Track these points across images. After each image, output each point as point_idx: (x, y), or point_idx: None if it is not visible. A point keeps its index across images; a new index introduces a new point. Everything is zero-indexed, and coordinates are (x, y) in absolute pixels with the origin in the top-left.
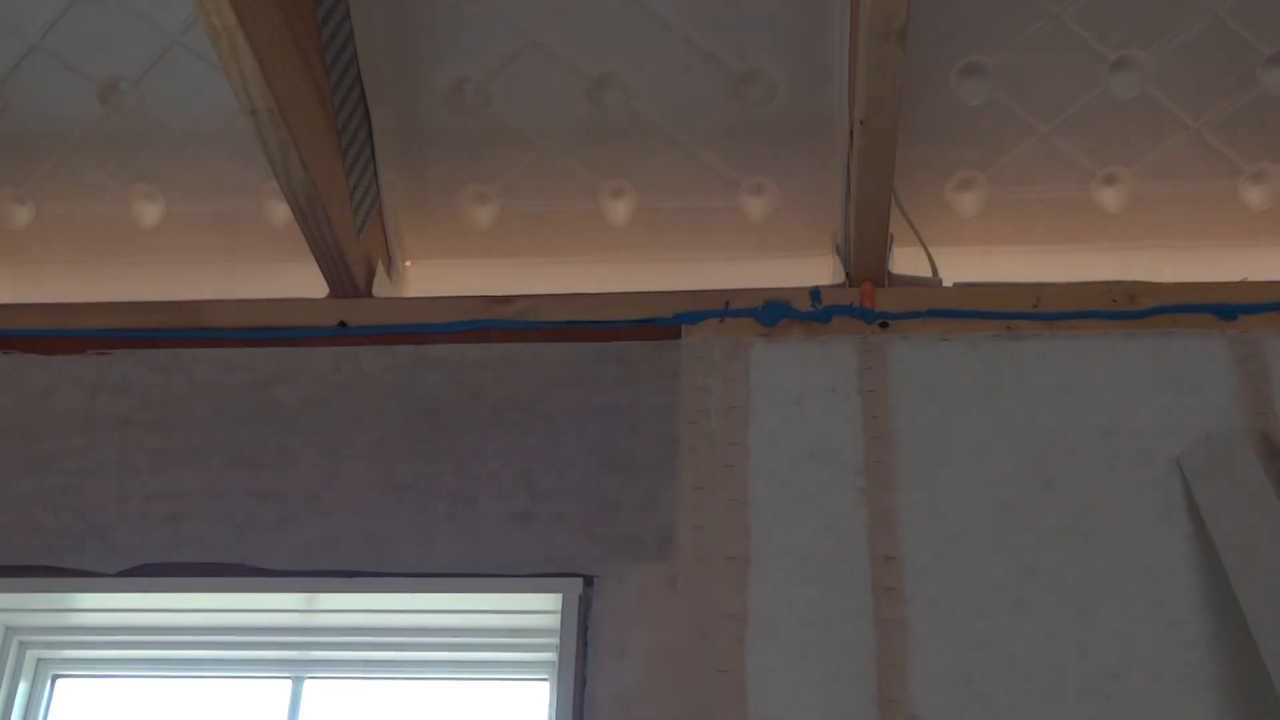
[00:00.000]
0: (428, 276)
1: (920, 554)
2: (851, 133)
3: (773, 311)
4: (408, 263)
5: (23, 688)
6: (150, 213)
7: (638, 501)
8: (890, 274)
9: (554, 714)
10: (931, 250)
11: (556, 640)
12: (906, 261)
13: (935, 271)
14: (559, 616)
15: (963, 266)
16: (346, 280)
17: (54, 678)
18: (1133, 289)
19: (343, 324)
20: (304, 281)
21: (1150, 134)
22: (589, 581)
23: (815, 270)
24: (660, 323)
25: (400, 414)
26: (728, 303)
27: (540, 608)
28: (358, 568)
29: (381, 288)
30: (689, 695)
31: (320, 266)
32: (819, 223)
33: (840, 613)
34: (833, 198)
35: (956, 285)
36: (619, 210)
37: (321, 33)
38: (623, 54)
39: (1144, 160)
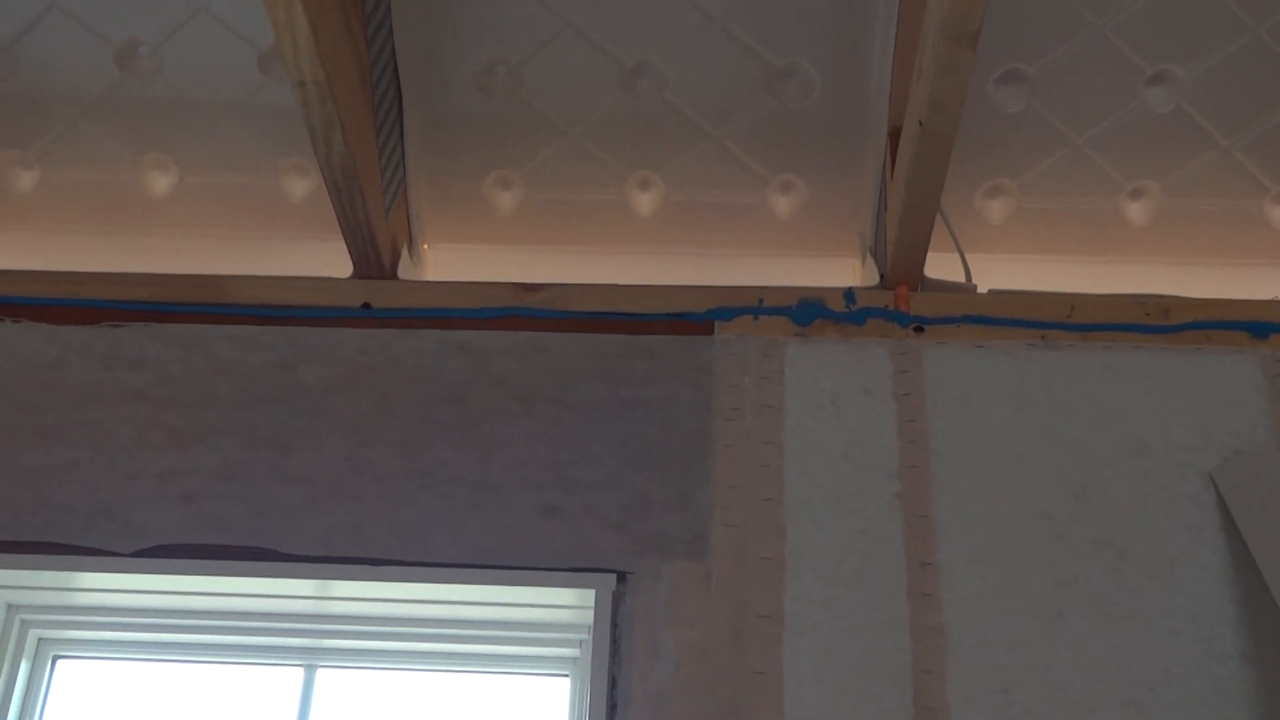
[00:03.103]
0: (445, 260)
1: (956, 560)
2: (890, 135)
3: (807, 311)
4: (426, 246)
5: (24, 668)
6: (161, 183)
7: (670, 497)
8: (924, 278)
9: (581, 711)
10: (950, 256)
11: (579, 636)
12: (935, 266)
13: (969, 277)
14: (583, 612)
15: (987, 274)
16: (373, 261)
17: (55, 658)
18: (1166, 303)
19: (367, 305)
20: (318, 260)
21: (1181, 150)
22: (622, 577)
23: (839, 271)
24: (693, 318)
25: (426, 399)
26: (761, 300)
27: (568, 602)
28: (383, 555)
29: (405, 270)
30: (725, 696)
31: (348, 246)
32: (845, 223)
33: (876, 617)
34: (861, 199)
35: (991, 292)
36: (644, 202)
37: (364, 7)
38: (660, 43)
39: (1173, 176)
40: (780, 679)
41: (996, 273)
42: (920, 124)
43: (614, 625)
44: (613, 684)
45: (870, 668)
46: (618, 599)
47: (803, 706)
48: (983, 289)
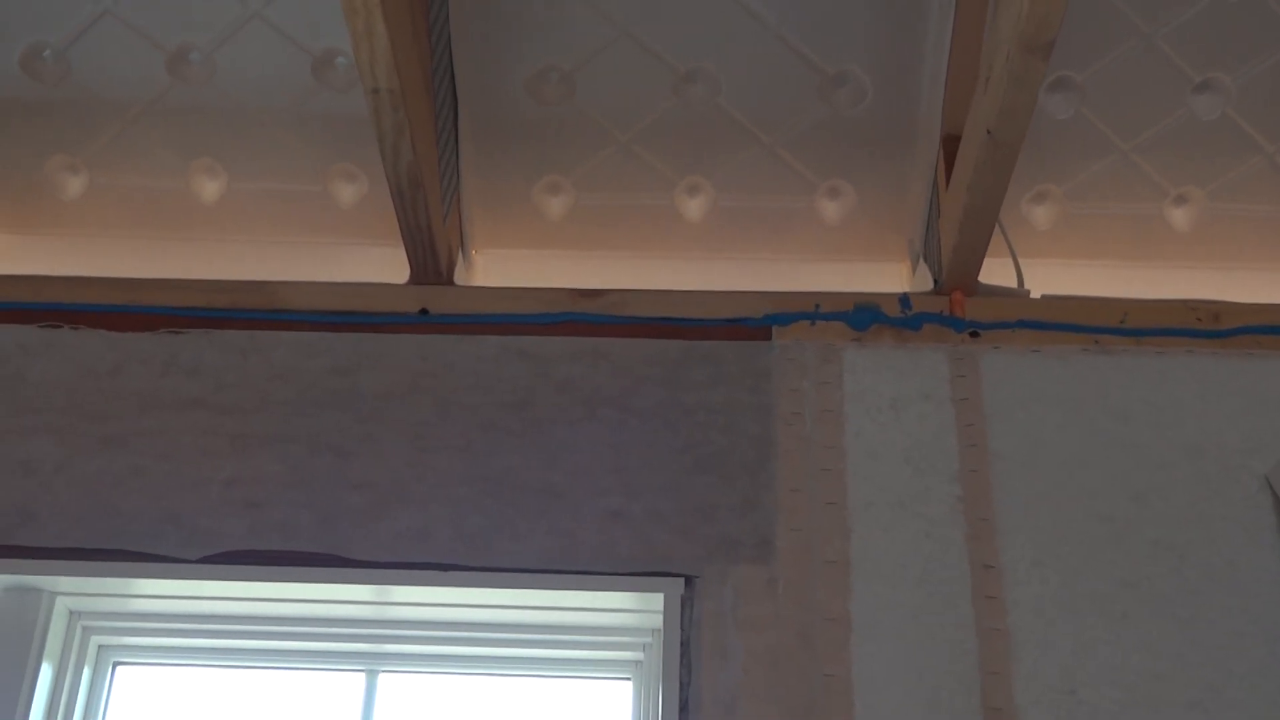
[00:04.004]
0: (493, 265)
1: (1019, 563)
2: (944, 142)
3: (863, 316)
4: (475, 251)
5: (86, 674)
6: (210, 189)
7: (734, 502)
8: (978, 283)
9: (647, 713)
10: (1000, 262)
11: (641, 640)
12: (984, 271)
13: (1021, 282)
14: (646, 616)
15: (1032, 279)
16: (431, 267)
17: (115, 664)
18: (1216, 309)
19: (424, 311)
20: (366, 266)
21: (1227, 156)
22: (689, 581)
23: (887, 277)
24: (750, 323)
25: (487, 405)
26: (818, 306)
27: (631, 606)
28: (451, 561)
29: (459, 276)
30: (794, 699)
31: (408, 251)
32: (894, 230)
33: (942, 620)
34: (910, 206)
35: (1045, 297)
36: (693, 207)
37: (428, 14)
38: (714, 49)
39: (1219, 181)
40: (849, 682)
41: (1041, 278)
42: (988, 132)
43: (683, 629)
44: (683, 686)
45: (938, 670)
46: (685, 603)
47: (873, 709)
48: (1046, 294)
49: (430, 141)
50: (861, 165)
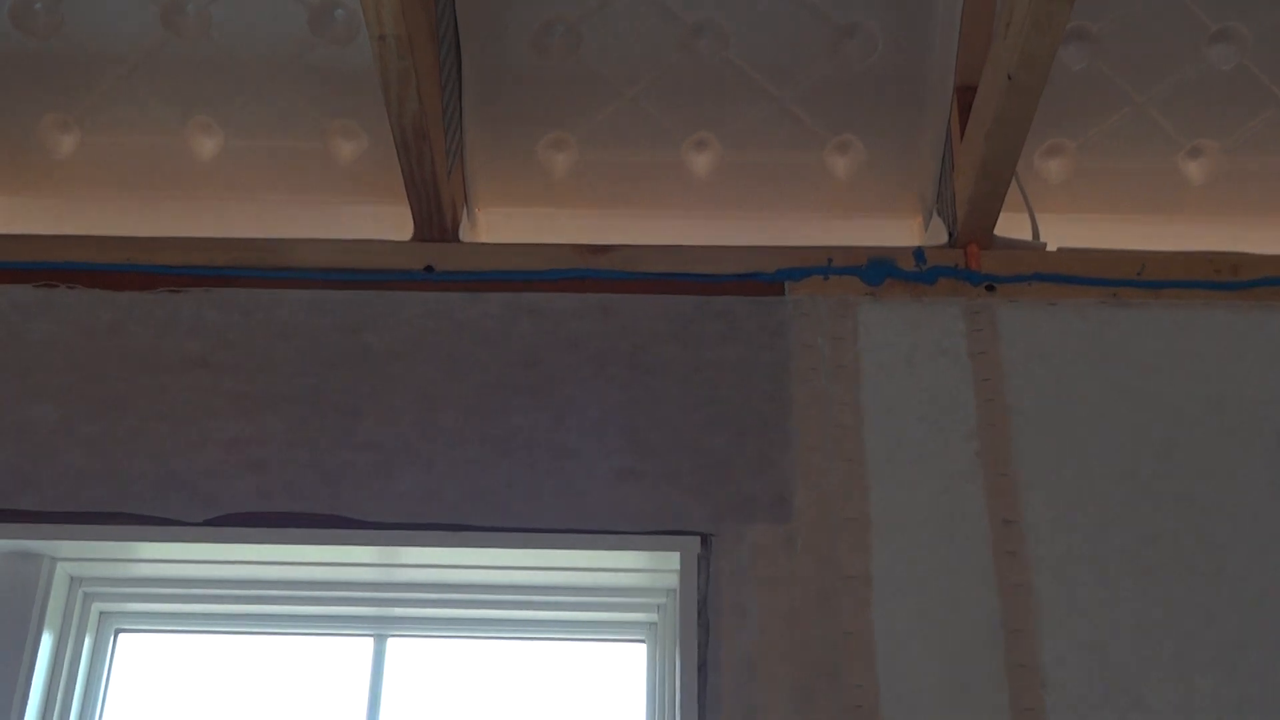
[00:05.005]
0: (496, 223)
1: (1040, 519)
2: (958, 92)
3: (877, 270)
4: (478, 210)
5: (87, 642)
6: (207, 146)
7: (750, 459)
8: (993, 237)
9: (662, 675)
10: (1013, 216)
11: (655, 601)
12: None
13: (1037, 235)
14: (659, 576)
15: (1045, 233)
16: (436, 222)
17: (117, 632)
18: (1235, 260)
19: (429, 268)
20: (366, 224)
21: (1243, 108)
22: (705, 540)
23: (898, 232)
24: (763, 278)
25: (496, 363)
26: (830, 260)
27: (645, 566)
28: (461, 521)
29: (464, 233)
30: (816, 657)
31: (412, 207)
32: (905, 184)
33: (964, 577)
34: (921, 159)
35: (1061, 250)
36: (701, 163)
37: None
38: (722, 1)
39: (1235, 134)
40: (870, 640)
41: (1054, 233)
42: (1009, 78)
43: (700, 588)
44: (701, 647)
45: (960, 627)
46: (702, 562)
47: (895, 667)
48: (1063, 247)
49: (435, 92)
50: (872, 119)
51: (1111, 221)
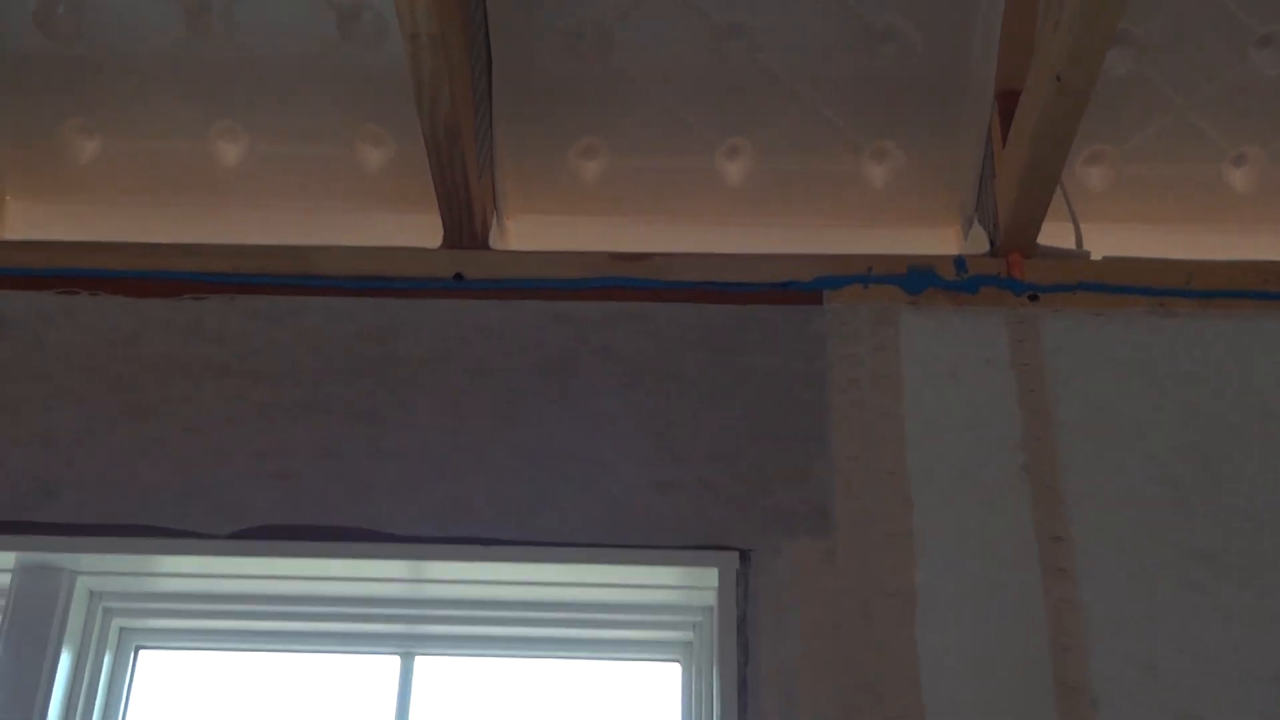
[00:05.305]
0: (525, 231)
1: (1088, 534)
2: (999, 97)
3: (918, 279)
4: (507, 218)
5: (107, 660)
6: (231, 152)
7: (788, 472)
8: (1036, 245)
9: (700, 695)
10: (1054, 225)
11: (690, 619)
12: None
13: (1080, 244)
14: (695, 593)
15: (1086, 244)
16: (466, 229)
17: (137, 649)
18: None
19: (459, 276)
20: (394, 233)
21: None
22: (744, 555)
23: (936, 242)
24: (800, 287)
25: (527, 372)
26: (870, 268)
27: (683, 583)
28: (491, 535)
29: (493, 240)
30: (857, 675)
31: (442, 213)
32: (943, 192)
33: (1011, 593)
34: (960, 167)
35: (1106, 259)
36: (734, 171)
37: None
38: (756, 2)
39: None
40: (914, 657)
41: (1096, 242)
42: (1058, 78)
43: (739, 604)
44: (741, 665)
45: (1007, 644)
46: (741, 577)
47: (940, 685)
48: (1108, 255)
49: (467, 93)
50: (909, 125)
51: (1154, 230)
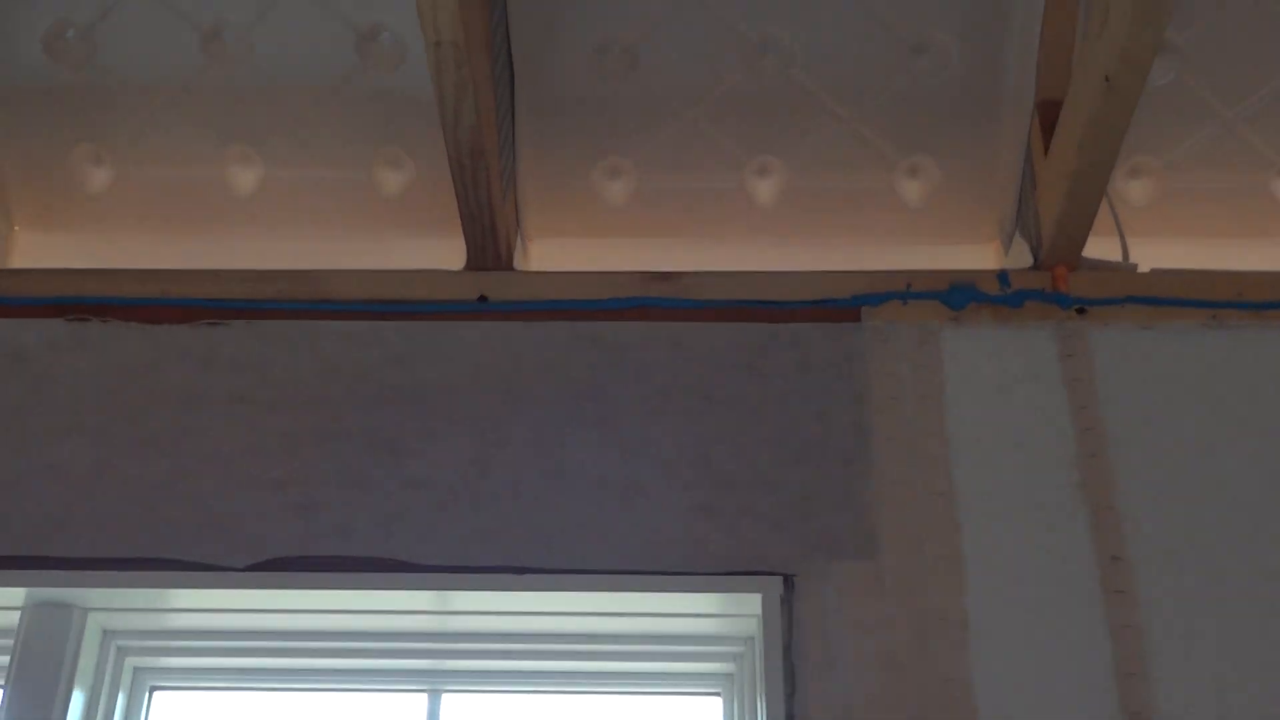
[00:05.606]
0: (548, 254)
1: (1149, 555)
2: (1039, 107)
3: (960, 294)
4: (530, 242)
5: (120, 701)
6: (245, 178)
7: (832, 494)
8: (1081, 258)
9: None
10: (1096, 240)
11: (732, 649)
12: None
13: (1127, 256)
14: (735, 621)
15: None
16: (490, 250)
17: (152, 689)
18: None
19: (483, 298)
20: (414, 258)
21: None
22: (788, 581)
23: (975, 259)
24: (837, 304)
25: (557, 396)
26: (909, 285)
27: (722, 610)
28: (522, 564)
29: (517, 262)
30: (911, 705)
31: (465, 233)
32: (980, 208)
33: (1070, 618)
34: (997, 181)
35: (1154, 271)
36: (764, 189)
37: None
38: (788, 16)
39: None
40: (970, 686)
41: (1139, 255)
42: (1106, 80)
43: (784, 632)
44: (788, 698)
45: (1068, 671)
46: (785, 604)
47: (998, 715)
48: (1156, 268)
49: (491, 108)
50: (945, 139)
51: (1199, 244)
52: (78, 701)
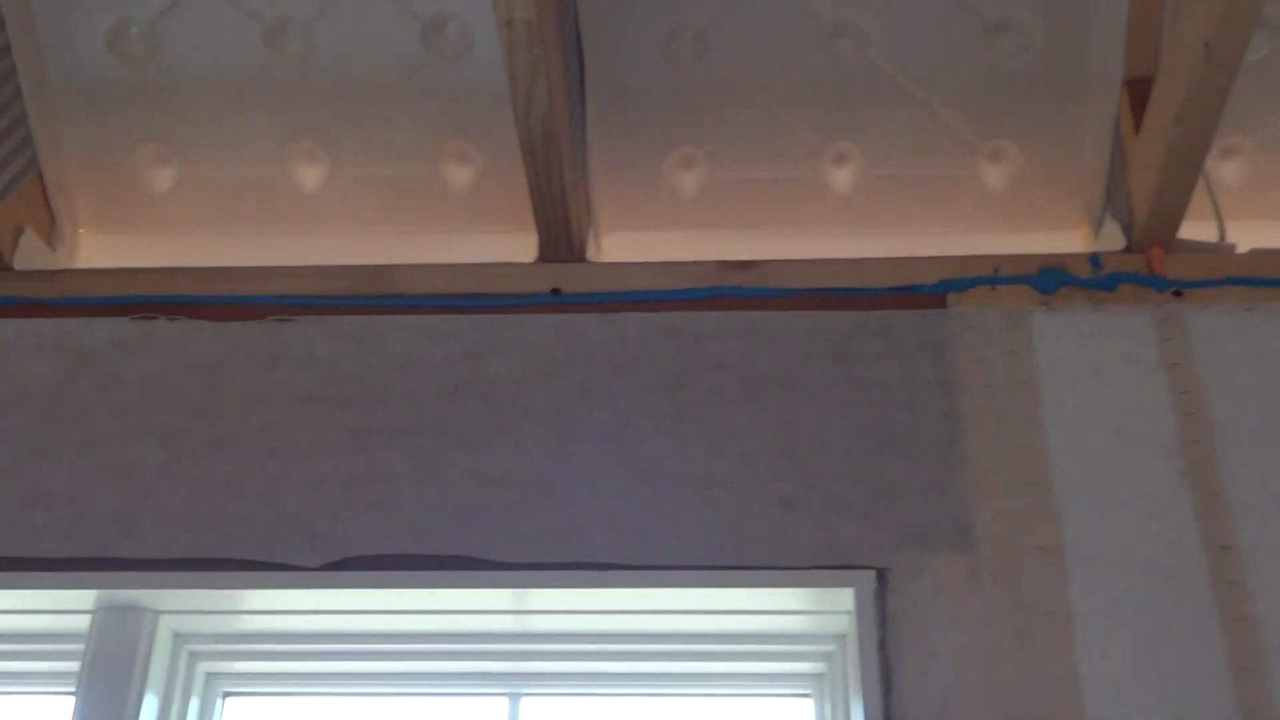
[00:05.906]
0: (621, 249)
1: (1260, 543)
2: (1128, 85)
3: (1051, 278)
4: (601, 236)
5: (193, 706)
6: (311, 175)
7: (923, 485)
8: (1176, 240)
9: None
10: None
11: (822, 648)
12: None
13: (1224, 236)
14: (824, 618)
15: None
16: (562, 241)
17: (224, 694)
18: None
19: (556, 291)
20: (485, 253)
21: None
22: (881, 574)
23: (1060, 243)
24: (923, 290)
25: (635, 389)
26: (997, 269)
27: (811, 607)
28: (603, 560)
29: (591, 253)
30: (1014, 702)
31: (538, 223)
32: (1065, 191)
33: (1179, 610)
34: (1083, 163)
35: (1253, 252)
36: (841, 177)
37: None
38: None
39: None
40: (1075, 682)
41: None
42: (1206, 46)
43: (879, 628)
44: (885, 694)
45: (1179, 666)
46: (878, 598)
47: (1108, 713)
48: (1255, 248)
49: (563, 93)
50: (1028, 121)
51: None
52: (150, 707)
